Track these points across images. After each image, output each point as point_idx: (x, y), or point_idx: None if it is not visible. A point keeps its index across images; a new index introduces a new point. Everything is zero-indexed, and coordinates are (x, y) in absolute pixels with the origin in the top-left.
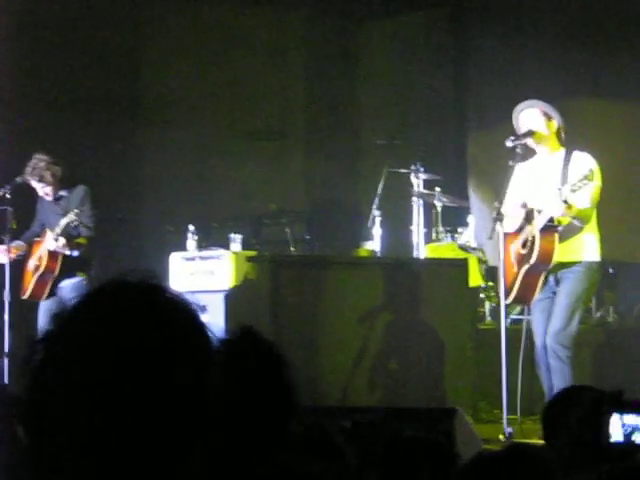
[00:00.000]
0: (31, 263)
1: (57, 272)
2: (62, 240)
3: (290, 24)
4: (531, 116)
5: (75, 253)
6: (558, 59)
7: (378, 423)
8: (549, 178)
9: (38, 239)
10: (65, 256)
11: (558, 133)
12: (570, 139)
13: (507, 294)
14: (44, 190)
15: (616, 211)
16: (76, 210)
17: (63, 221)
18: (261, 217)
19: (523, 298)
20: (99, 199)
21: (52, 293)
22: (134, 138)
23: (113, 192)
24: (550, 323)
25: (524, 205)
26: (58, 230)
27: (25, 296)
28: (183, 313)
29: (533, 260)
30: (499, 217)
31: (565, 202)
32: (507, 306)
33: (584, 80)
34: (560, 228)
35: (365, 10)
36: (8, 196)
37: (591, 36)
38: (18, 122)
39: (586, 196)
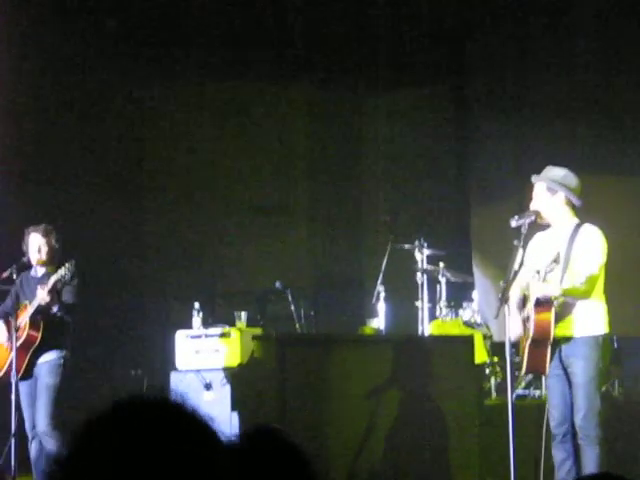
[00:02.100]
0: (5, 339)
1: (38, 342)
2: (51, 294)
3: (293, 99)
4: (536, 192)
5: (59, 312)
6: (561, 134)
7: None
8: (555, 252)
9: (18, 311)
10: (45, 329)
11: (569, 204)
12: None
13: (520, 365)
14: (38, 254)
15: (620, 285)
16: (68, 265)
17: (53, 277)
18: (266, 293)
19: (535, 370)
20: (104, 277)
21: (29, 374)
22: (139, 216)
23: (118, 271)
24: (575, 408)
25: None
26: (50, 282)
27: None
28: (202, 438)
29: (532, 336)
30: (505, 298)
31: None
32: (513, 381)
33: (588, 156)
34: (556, 303)
35: (368, 85)
36: (15, 276)
37: (595, 111)
38: (23, 204)
39: (577, 273)
